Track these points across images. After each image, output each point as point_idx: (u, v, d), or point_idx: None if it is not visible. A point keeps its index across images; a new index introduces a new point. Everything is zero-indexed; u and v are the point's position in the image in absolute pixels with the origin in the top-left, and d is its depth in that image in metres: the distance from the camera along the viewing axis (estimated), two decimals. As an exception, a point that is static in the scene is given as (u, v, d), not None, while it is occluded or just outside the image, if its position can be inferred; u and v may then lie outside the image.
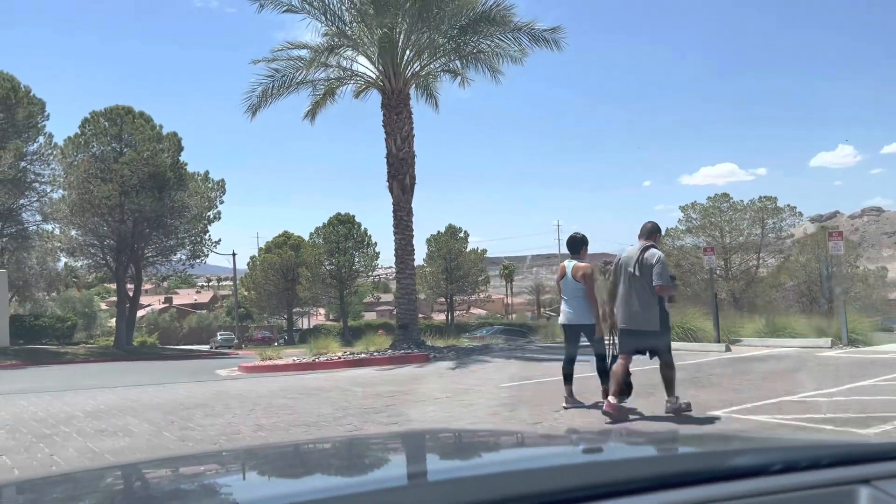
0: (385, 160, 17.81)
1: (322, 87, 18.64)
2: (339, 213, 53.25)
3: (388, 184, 17.85)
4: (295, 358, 18.48)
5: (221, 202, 33.47)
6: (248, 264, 57.97)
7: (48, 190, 30.43)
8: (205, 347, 67.39)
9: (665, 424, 6.72)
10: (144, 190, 30.93)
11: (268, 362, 18.71)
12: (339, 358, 16.60)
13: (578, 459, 1.60)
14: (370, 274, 53.15)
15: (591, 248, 8.11)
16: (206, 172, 33.40)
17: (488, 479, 1.21)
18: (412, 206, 17.87)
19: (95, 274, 35.46)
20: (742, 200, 43.75)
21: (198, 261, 35.25)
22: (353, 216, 53.29)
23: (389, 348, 17.34)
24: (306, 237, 56.16)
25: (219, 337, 67.58)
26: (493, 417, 7.77)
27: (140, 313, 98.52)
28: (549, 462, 1.54)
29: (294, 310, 56.98)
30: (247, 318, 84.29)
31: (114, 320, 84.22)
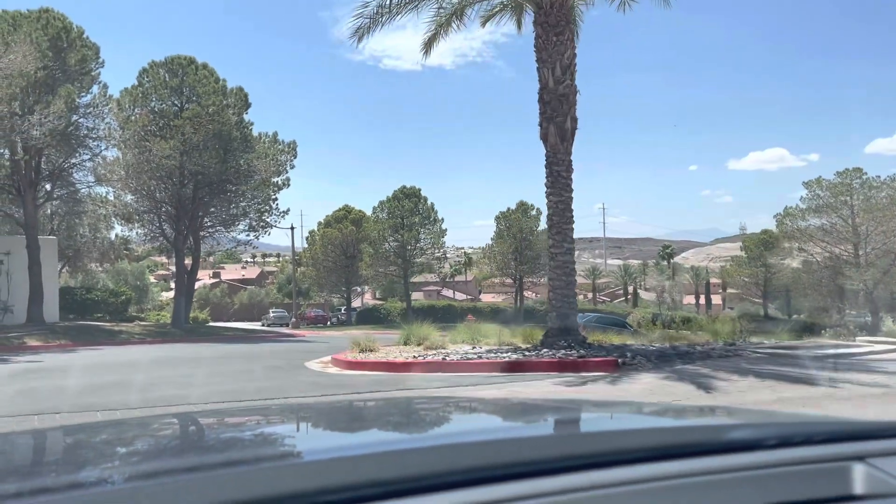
0: (538, 98, 13.44)
1: (450, 5, 14.32)
2: (404, 187, 49.13)
3: (540, 129, 13.48)
4: (416, 354, 14.25)
5: (291, 167, 29.49)
6: (306, 239, 54.24)
7: (102, 147, 26.68)
8: (257, 325, 64.29)
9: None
10: (208, 150, 27.01)
11: (371, 357, 14.55)
12: (479, 358, 12.35)
13: (577, 429, 1.60)
14: (437, 252, 48.89)
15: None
16: (275, 133, 29.43)
17: (481, 445, 1.22)
18: (572, 158, 13.48)
19: (151, 244, 31.75)
20: (879, 176, 38.45)
21: (263, 231, 31.43)
22: (419, 189, 49.15)
23: (543, 346, 13.00)
24: (368, 212, 52.27)
25: (271, 314, 64.27)
26: None
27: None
28: (548, 430, 1.59)
29: (353, 288, 53.01)
30: (299, 294, 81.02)
31: (165, 294, 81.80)
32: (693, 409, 2.60)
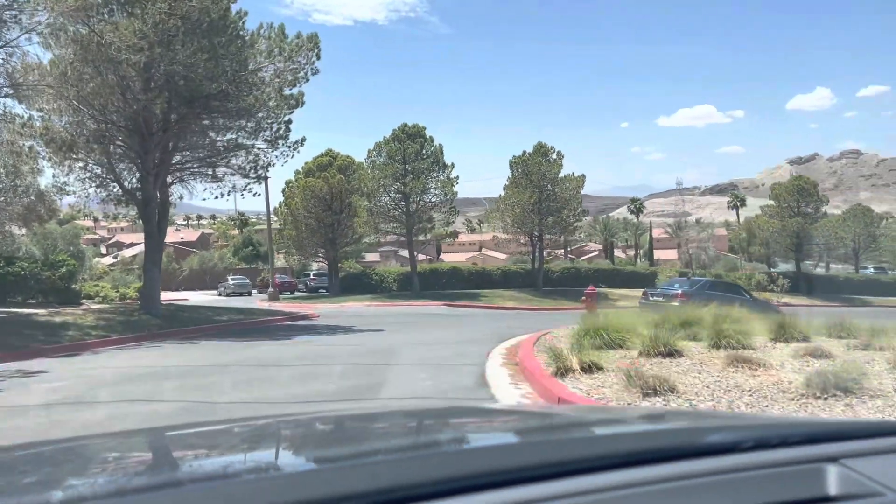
0: None
1: None
2: (405, 125, 39.52)
3: None
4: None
5: (314, 72, 19.62)
6: (282, 191, 43.99)
7: (21, 39, 16.43)
8: (212, 294, 54.05)
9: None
10: (189, 38, 17.17)
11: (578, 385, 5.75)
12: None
13: (550, 436, 1.57)
14: (447, 206, 39.67)
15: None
16: (282, 26, 19.54)
17: (458, 455, 1.23)
18: None
19: (100, 192, 21.57)
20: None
21: (266, 171, 21.57)
22: (424, 128, 39.65)
23: None
24: (358, 159, 42.50)
25: (230, 281, 54.35)
26: None
27: (129, 252, 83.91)
28: (521, 438, 1.56)
29: (342, 250, 43.36)
30: (256, 258, 70.50)
31: (101, 261, 69.74)
32: (669, 413, 2.54)
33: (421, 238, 40.27)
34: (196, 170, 22.52)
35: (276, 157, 20.96)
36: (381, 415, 2.25)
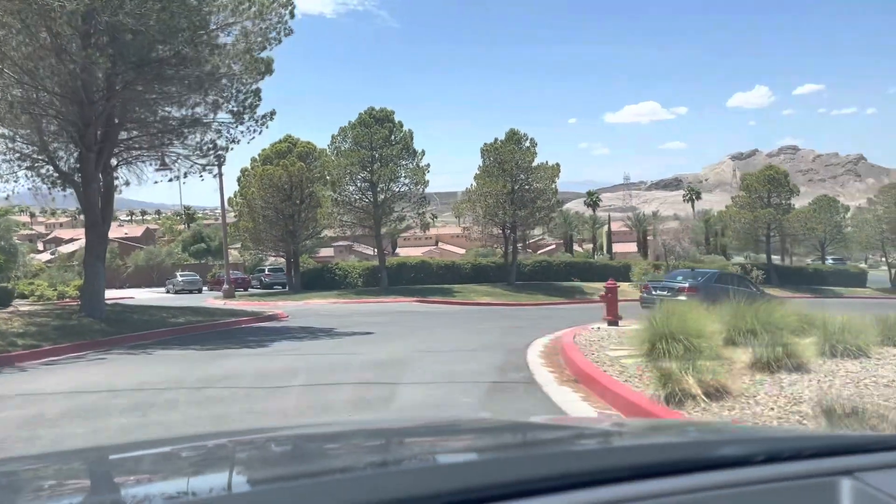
0: None
1: None
2: (372, 108, 36.64)
3: None
4: None
5: (287, 32, 16.67)
6: (238, 179, 40.55)
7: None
8: (160, 291, 50.27)
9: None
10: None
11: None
12: None
13: (560, 448, 1.55)
14: (418, 195, 36.89)
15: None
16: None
17: (478, 465, 1.24)
18: None
19: (31, 175, 18.24)
20: None
21: (234, 145, 18.46)
22: (392, 112, 36.82)
23: None
24: (320, 146, 39.42)
25: (179, 278, 50.64)
26: None
27: (68, 248, 78.58)
28: (530, 451, 1.54)
29: (304, 242, 40.23)
30: (206, 253, 66.57)
31: (38, 257, 64.74)
32: (681, 426, 2.54)
33: (385, 230, 37.41)
34: (146, 150, 19.37)
35: (242, 133, 17.91)
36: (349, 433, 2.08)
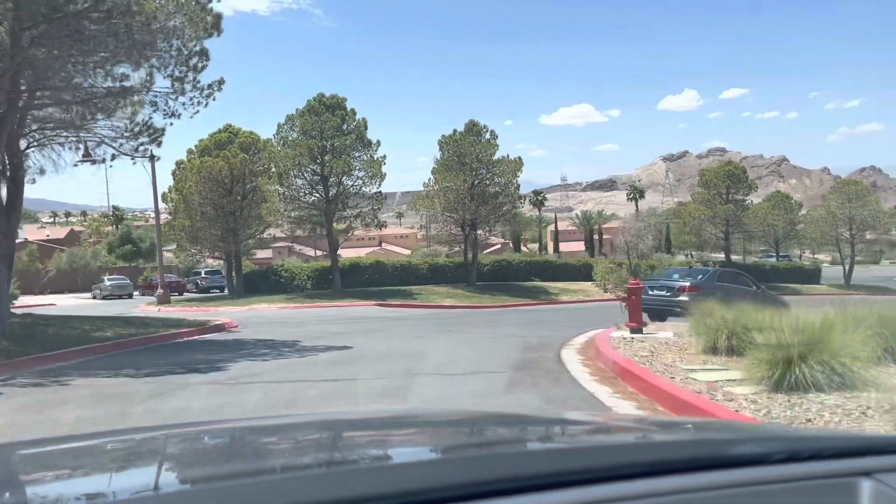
0: None
1: None
2: (322, 95, 33.41)
3: None
4: None
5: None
6: (172, 172, 36.58)
7: None
8: (85, 297, 45.80)
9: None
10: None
11: None
12: None
13: (580, 443, 1.56)
14: (374, 187, 33.81)
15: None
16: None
17: (490, 459, 1.22)
18: None
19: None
20: None
21: (173, 120, 15.07)
22: (345, 99, 33.69)
23: None
24: (265, 136, 35.88)
25: (106, 282, 46.35)
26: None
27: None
28: (551, 445, 1.54)
29: (246, 242, 36.67)
30: (137, 255, 61.74)
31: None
32: (699, 424, 2.48)
33: (342, 226, 34.20)
34: (63, 129, 15.88)
35: (184, 105, 14.60)
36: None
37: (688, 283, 19.02)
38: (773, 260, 58.54)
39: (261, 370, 10.02)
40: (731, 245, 49.78)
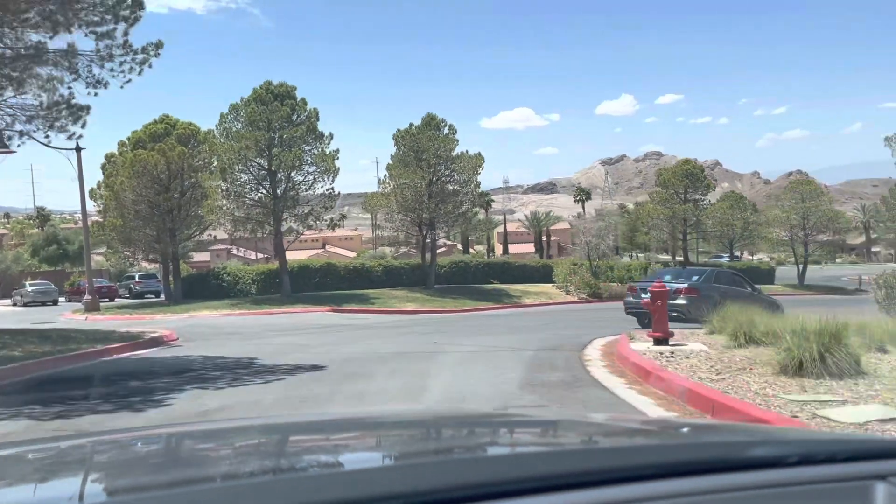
0: None
1: None
2: (269, 83, 30.62)
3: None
4: None
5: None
6: (102, 167, 33.07)
7: None
8: (5, 303, 41.69)
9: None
10: None
11: None
12: None
13: (595, 445, 1.53)
14: (327, 184, 31.14)
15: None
16: None
17: (494, 460, 1.22)
18: None
19: None
20: None
21: (99, 89, 12.24)
22: (295, 88, 30.98)
23: None
24: (206, 128, 32.75)
25: (28, 288, 42.45)
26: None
27: None
28: (564, 447, 1.52)
29: (185, 243, 33.51)
30: (63, 258, 57.28)
31: None
32: (714, 426, 2.53)
33: (291, 225, 31.42)
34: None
35: (112, 72, 11.86)
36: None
37: (685, 285, 17.21)
38: (725, 260, 58.04)
39: (215, 404, 7.52)
40: (688, 245, 48.82)
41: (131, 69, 11.88)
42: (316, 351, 12.48)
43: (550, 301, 34.51)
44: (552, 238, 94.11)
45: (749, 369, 8.33)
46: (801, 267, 50.10)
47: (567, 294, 36.68)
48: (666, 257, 60.83)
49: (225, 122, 30.13)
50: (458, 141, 34.96)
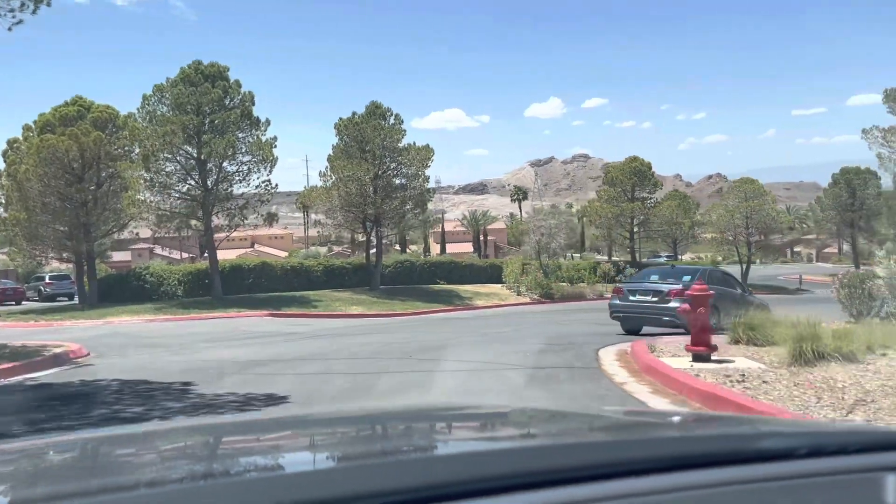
0: None
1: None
2: (199, 63, 27.43)
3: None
4: None
5: None
6: (3, 154, 29.03)
7: None
8: None
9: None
10: None
11: None
12: None
13: (602, 438, 1.52)
14: (264, 174, 28.15)
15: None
16: None
17: (502, 454, 1.20)
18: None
19: None
20: None
21: None
22: (227, 69, 27.88)
23: None
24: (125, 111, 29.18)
25: (-83, 291, 37.90)
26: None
27: None
28: (573, 439, 1.50)
29: (102, 241, 29.91)
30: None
31: None
32: (722, 418, 2.50)
33: (226, 221, 28.28)
34: None
35: (-6, 8, 8.95)
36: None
37: (679, 287, 15.27)
38: (663, 259, 57.41)
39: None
40: (633, 244, 47.69)
41: (23, 5, 8.99)
42: (266, 371, 9.88)
43: (503, 302, 32.45)
44: (489, 238, 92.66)
45: (870, 402, 6.26)
46: (743, 266, 49.76)
47: (518, 295, 34.74)
48: (601, 257, 59.88)
49: (148, 105, 26.80)
50: (405, 132, 32.53)
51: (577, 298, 35.20)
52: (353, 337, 15.88)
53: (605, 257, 60.14)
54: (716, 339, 9.56)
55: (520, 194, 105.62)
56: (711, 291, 9.30)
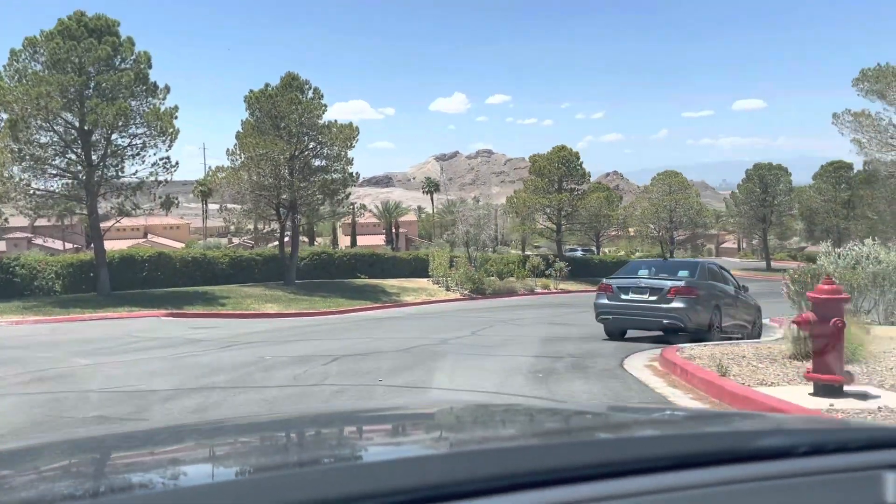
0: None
1: None
2: (81, 13, 22.88)
3: None
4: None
5: None
6: None
7: None
8: None
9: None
10: None
11: None
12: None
13: (596, 436, 1.50)
14: (162, 147, 23.87)
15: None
16: None
17: (514, 451, 1.19)
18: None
19: None
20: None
21: None
22: (117, 23, 23.43)
23: None
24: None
25: None
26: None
27: None
28: (570, 438, 1.49)
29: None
30: None
31: None
32: (721, 416, 2.49)
33: (116, 205, 23.85)
34: None
35: None
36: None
37: (681, 283, 12.74)
38: (579, 253, 55.99)
39: None
40: (560, 237, 45.72)
41: None
42: (175, 407, 6.46)
43: (433, 298, 29.52)
44: (401, 231, 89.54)
45: None
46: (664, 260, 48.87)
47: (448, 290, 31.91)
48: (515, 251, 58.01)
49: (17, 62, 22.06)
50: (325, 107, 28.94)
51: (509, 294, 32.86)
52: (280, 345, 12.45)
53: (519, 251, 58.33)
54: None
55: (432, 186, 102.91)
56: (845, 294, 6.49)
